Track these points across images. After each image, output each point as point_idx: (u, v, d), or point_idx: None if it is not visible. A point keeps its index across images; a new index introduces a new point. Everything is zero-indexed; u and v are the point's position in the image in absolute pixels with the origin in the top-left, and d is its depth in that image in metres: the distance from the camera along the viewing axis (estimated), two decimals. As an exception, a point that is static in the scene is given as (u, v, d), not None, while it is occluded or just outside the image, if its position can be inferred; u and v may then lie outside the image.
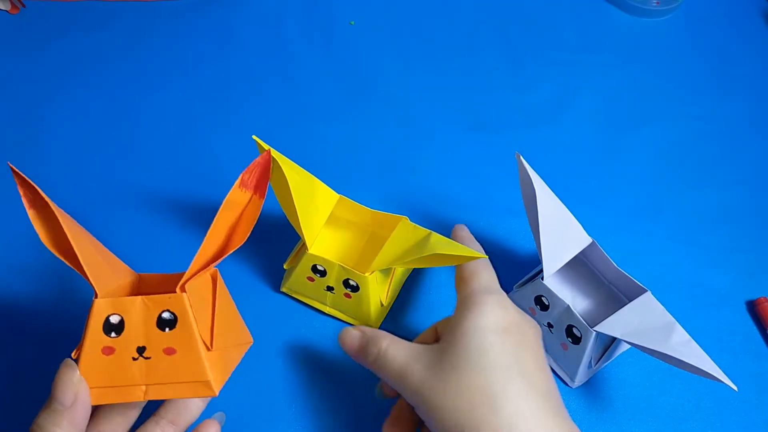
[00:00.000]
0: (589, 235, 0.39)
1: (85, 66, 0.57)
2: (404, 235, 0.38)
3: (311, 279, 0.40)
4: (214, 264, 0.30)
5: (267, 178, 0.32)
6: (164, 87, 0.55)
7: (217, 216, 0.29)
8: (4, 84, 0.55)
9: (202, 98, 0.55)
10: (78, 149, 0.51)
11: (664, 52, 0.59)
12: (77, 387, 0.29)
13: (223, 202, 0.29)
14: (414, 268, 0.45)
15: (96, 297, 0.30)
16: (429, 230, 0.38)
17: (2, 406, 0.39)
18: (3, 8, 0.60)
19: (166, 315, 0.30)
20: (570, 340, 0.38)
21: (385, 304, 0.41)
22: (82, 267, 0.29)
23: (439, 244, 0.35)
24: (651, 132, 0.53)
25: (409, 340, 0.34)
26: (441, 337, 0.33)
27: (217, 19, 0.61)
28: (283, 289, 0.44)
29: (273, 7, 0.62)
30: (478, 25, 0.61)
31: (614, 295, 0.41)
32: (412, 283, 0.45)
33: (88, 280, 0.29)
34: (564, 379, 0.40)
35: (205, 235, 0.29)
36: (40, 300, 0.43)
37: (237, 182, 0.30)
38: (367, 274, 0.38)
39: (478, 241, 0.38)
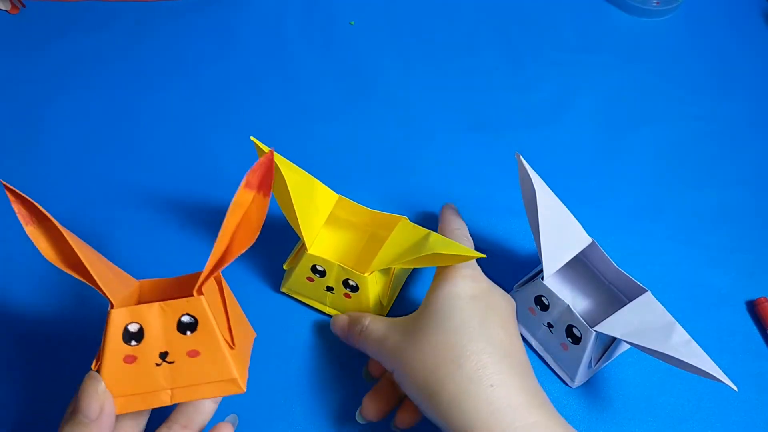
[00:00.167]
0: (589, 235, 0.39)
1: (85, 66, 0.57)
2: (403, 235, 0.38)
3: (311, 279, 0.40)
4: (226, 264, 0.30)
5: (271, 178, 0.32)
6: (164, 87, 0.55)
7: (226, 218, 0.29)
8: (4, 84, 0.55)
9: (202, 98, 0.55)
10: (78, 149, 0.51)
11: (664, 52, 0.59)
12: (102, 399, 0.29)
13: (231, 204, 0.30)
14: (414, 268, 0.45)
15: (112, 307, 0.30)
16: (428, 230, 0.38)
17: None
18: (3, 8, 0.60)
19: (185, 319, 0.30)
20: (570, 340, 0.38)
21: (384, 304, 0.41)
22: (94, 280, 0.29)
23: (438, 243, 0.35)
24: (651, 132, 0.53)
25: None
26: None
27: (217, 19, 0.61)
28: (283, 290, 0.44)
29: (273, 7, 0.62)
30: (478, 25, 0.61)
31: (614, 295, 0.41)
32: (412, 283, 0.45)
33: (102, 291, 0.29)
34: (564, 379, 0.40)
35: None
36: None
37: (242, 183, 0.30)
38: (366, 274, 0.38)
39: (478, 242, 0.38)
